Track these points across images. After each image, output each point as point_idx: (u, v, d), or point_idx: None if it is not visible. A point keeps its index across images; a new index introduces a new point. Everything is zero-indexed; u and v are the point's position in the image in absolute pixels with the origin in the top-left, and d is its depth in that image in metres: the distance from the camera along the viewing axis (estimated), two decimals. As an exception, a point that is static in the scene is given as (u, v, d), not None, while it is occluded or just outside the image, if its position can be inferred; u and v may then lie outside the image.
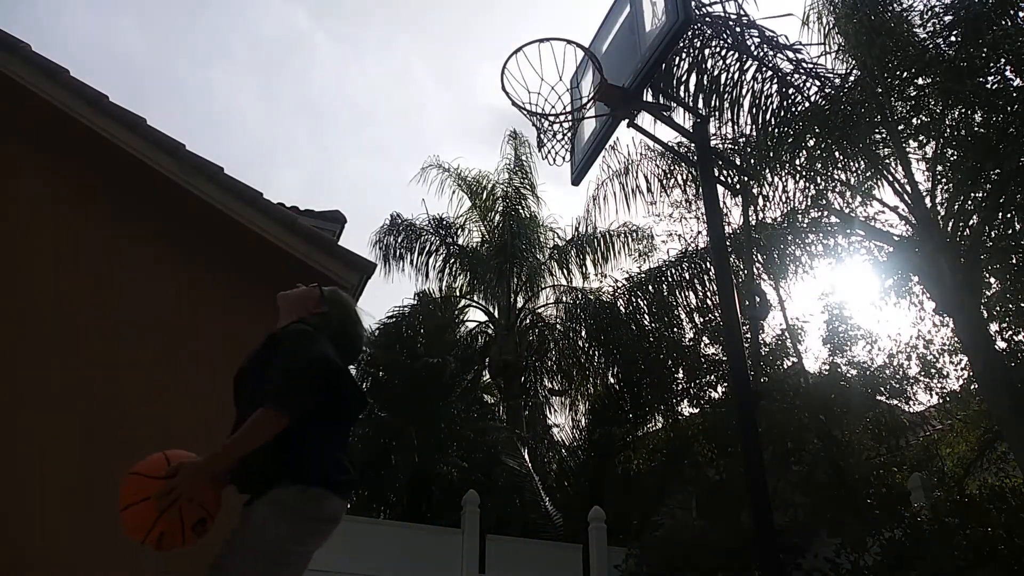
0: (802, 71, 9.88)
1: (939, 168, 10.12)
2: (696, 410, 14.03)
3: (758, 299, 4.98)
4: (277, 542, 2.49)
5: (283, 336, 2.83)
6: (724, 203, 9.99)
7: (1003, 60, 9.37)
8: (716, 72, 9.72)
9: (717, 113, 9.98)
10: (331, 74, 46.68)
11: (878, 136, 10.39)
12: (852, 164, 10.51)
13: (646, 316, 14.31)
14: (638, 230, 16.99)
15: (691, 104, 9.64)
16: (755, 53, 9.72)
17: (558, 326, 17.48)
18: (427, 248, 18.25)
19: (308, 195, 48.32)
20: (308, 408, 2.57)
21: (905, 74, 10.07)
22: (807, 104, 9.91)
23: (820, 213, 11.50)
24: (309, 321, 2.93)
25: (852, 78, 10.37)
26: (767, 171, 11.05)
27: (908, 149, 10.49)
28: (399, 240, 18.11)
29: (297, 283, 3.24)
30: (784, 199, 11.22)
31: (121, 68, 40.97)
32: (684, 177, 13.10)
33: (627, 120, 4.96)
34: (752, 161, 11.12)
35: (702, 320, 13.94)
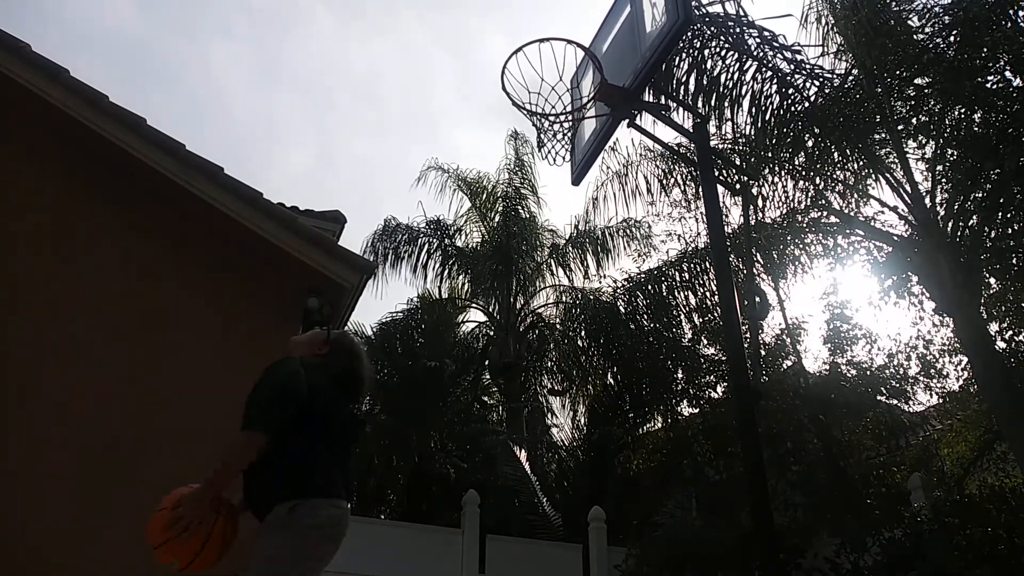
0: (802, 72, 9.89)
1: (939, 168, 10.12)
2: (696, 410, 14.02)
3: (758, 299, 4.96)
4: (280, 561, 2.71)
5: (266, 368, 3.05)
6: (724, 203, 10.00)
7: (1003, 60, 9.37)
8: (716, 72, 9.73)
9: (717, 113, 9.99)
10: (331, 49, 46.62)
11: (878, 136, 10.40)
12: (851, 164, 10.51)
13: (645, 316, 14.30)
14: (638, 224, 16.98)
15: (691, 104, 9.64)
16: (755, 53, 9.73)
17: (558, 326, 17.48)
18: (425, 250, 18.23)
19: (309, 177, 48.20)
20: (275, 426, 2.82)
21: (904, 74, 10.08)
22: (807, 104, 9.91)
23: (820, 213, 11.50)
24: (308, 361, 3.13)
25: (851, 78, 10.38)
26: (767, 171, 11.06)
27: (907, 149, 10.49)
28: (394, 244, 18.07)
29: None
30: (784, 199, 11.24)
31: (116, 44, 40.93)
32: (684, 177, 13.10)
33: (627, 120, 4.94)
34: (752, 161, 11.13)
35: (702, 320, 13.93)
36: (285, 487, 2.82)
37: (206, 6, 42.11)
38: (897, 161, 10.43)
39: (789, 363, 13.26)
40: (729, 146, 11.48)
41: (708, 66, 9.71)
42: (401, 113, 47.34)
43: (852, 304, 13.30)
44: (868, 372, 12.69)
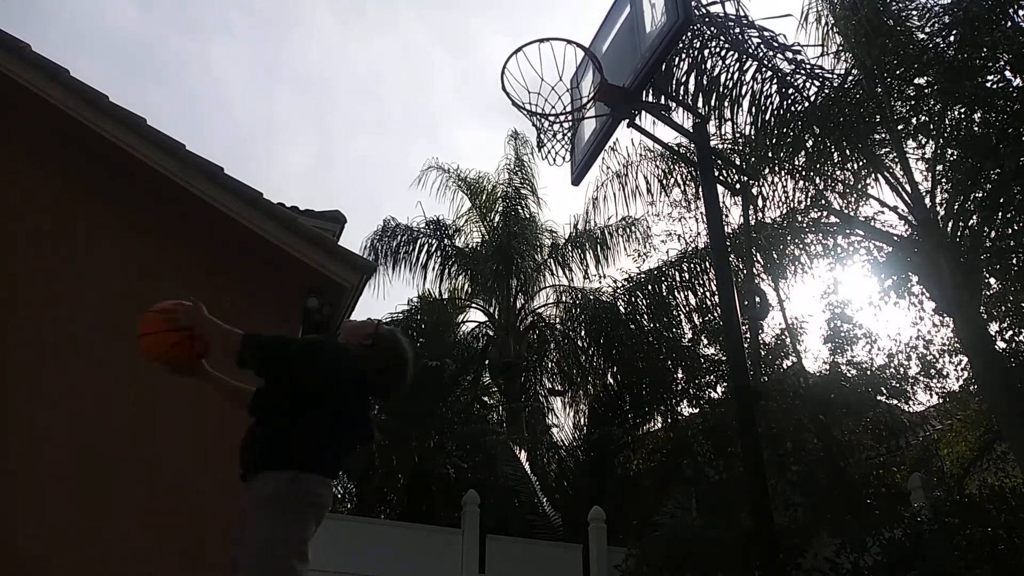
0: (802, 72, 9.89)
1: (939, 168, 10.12)
2: (696, 410, 14.03)
3: (758, 299, 4.96)
4: (279, 542, 2.72)
5: None
6: (724, 203, 9.99)
7: (1003, 60, 9.37)
8: (716, 72, 9.73)
9: (717, 113, 9.99)
10: (331, 48, 46.58)
11: (878, 136, 10.40)
12: (851, 164, 10.52)
13: (645, 316, 14.31)
14: (636, 223, 16.97)
15: (691, 104, 9.64)
16: (755, 53, 9.73)
17: (558, 326, 17.48)
18: (424, 250, 18.21)
19: (309, 176, 48.17)
20: (254, 364, 2.97)
21: (904, 74, 10.08)
22: (807, 104, 9.92)
23: (820, 213, 11.51)
24: (352, 349, 3.20)
25: (851, 78, 10.38)
26: (767, 171, 11.06)
27: (907, 149, 10.49)
28: (394, 245, 18.05)
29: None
30: (784, 199, 11.24)
31: (116, 43, 40.90)
32: (684, 177, 13.10)
33: (627, 120, 4.94)
34: (752, 161, 11.13)
35: (702, 320, 13.94)
36: (291, 454, 2.83)
37: (206, 4, 42.16)
38: (897, 161, 10.43)
39: (789, 363, 13.26)
40: (729, 146, 11.48)
41: (708, 66, 9.71)
42: (401, 112, 47.36)
43: (852, 304, 13.32)
44: (868, 372, 12.70)
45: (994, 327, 11.84)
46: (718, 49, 9.72)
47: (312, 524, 2.85)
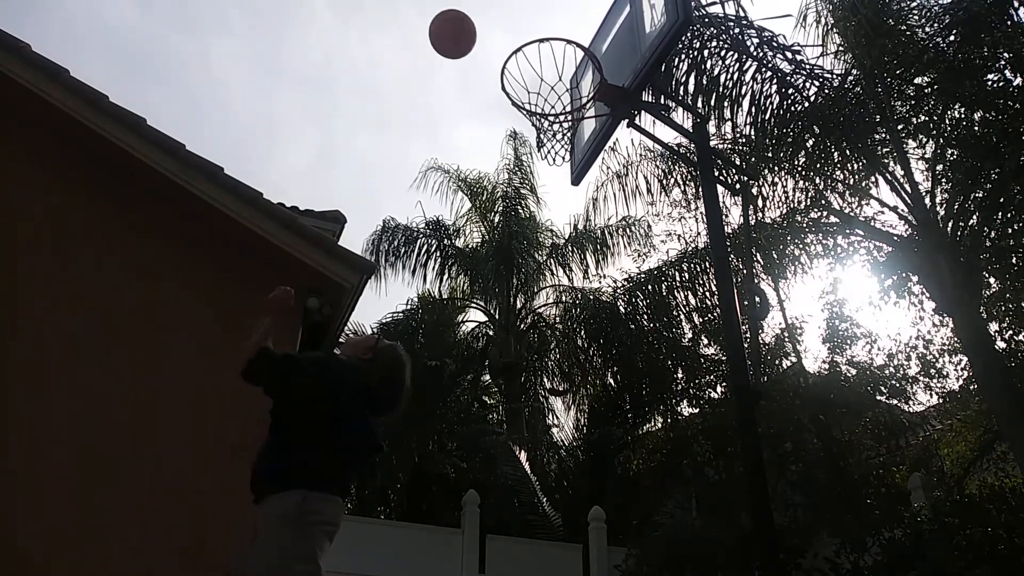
0: (802, 72, 9.89)
1: (939, 168, 10.12)
2: (696, 410, 14.02)
3: (758, 299, 4.95)
4: (290, 558, 2.79)
5: None
6: (724, 203, 10.00)
7: (1003, 59, 9.37)
8: (716, 72, 9.73)
9: (717, 113, 9.99)
10: (331, 45, 46.53)
11: (878, 136, 10.40)
12: (851, 164, 10.52)
13: (645, 316, 14.30)
14: (636, 223, 16.96)
15: (691, 104, 9.64)
16: (755, 53, 9.74)
17: (558, 326, 17.47)
18: (424, 250, 18.20)
19: (309, 175, 48.12)
20: (251, 375, 3.09)
21: (904, 74, 10.08)
22: (807, 104, 9.92)
23: (820, 213, 11.51)
24: (354, 363, 3.32)
25: (851, 78, 10.38)
26: (767, 171, 11.07)
27: (907, 149, 10.50)
28: (394, 245, 18.05)
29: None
30: (784, 199, 11.24)
31: (116, 40, 40.85)
32: (684, 177, 13.10)
33: (627, 120, 4.95)
34: (752, 161, 11.13)
35: (702, 320, 13.93)
36: (300, 475, 2.88)
37: (206, 3, 42.16)
38: (897, 161, 10.43)
39: (789, 363, 13.26)
40: (729, 146, 11.48)
41: (708, 66, 9.72)
42: (401, 111, 47.34)
43: (852, 303, 13.33)
44: (868, 372, 12.69)
45: (994, 327, 11.84)
46: (718, 49, 9.72)
47: (324, 542, 2.90)
